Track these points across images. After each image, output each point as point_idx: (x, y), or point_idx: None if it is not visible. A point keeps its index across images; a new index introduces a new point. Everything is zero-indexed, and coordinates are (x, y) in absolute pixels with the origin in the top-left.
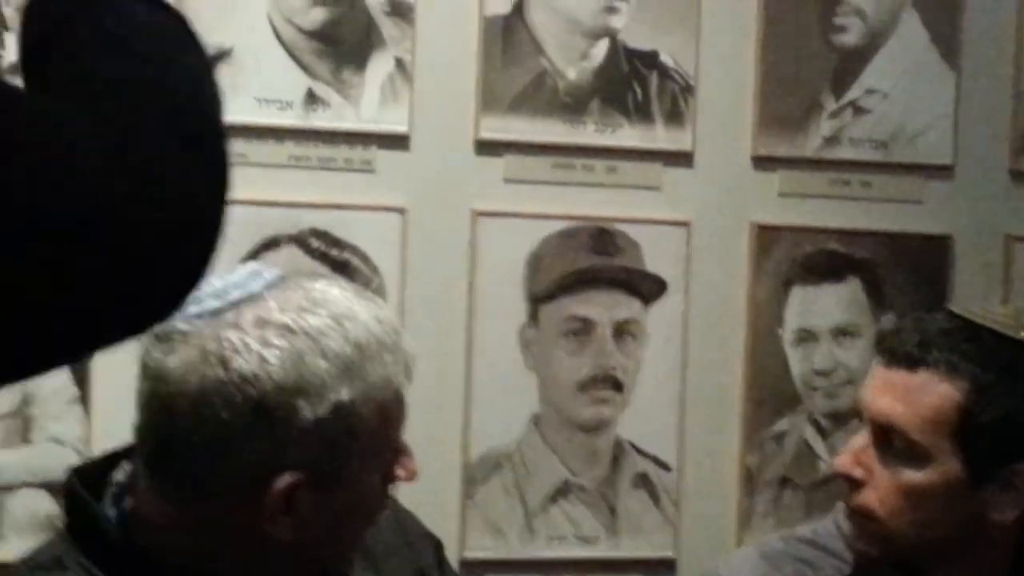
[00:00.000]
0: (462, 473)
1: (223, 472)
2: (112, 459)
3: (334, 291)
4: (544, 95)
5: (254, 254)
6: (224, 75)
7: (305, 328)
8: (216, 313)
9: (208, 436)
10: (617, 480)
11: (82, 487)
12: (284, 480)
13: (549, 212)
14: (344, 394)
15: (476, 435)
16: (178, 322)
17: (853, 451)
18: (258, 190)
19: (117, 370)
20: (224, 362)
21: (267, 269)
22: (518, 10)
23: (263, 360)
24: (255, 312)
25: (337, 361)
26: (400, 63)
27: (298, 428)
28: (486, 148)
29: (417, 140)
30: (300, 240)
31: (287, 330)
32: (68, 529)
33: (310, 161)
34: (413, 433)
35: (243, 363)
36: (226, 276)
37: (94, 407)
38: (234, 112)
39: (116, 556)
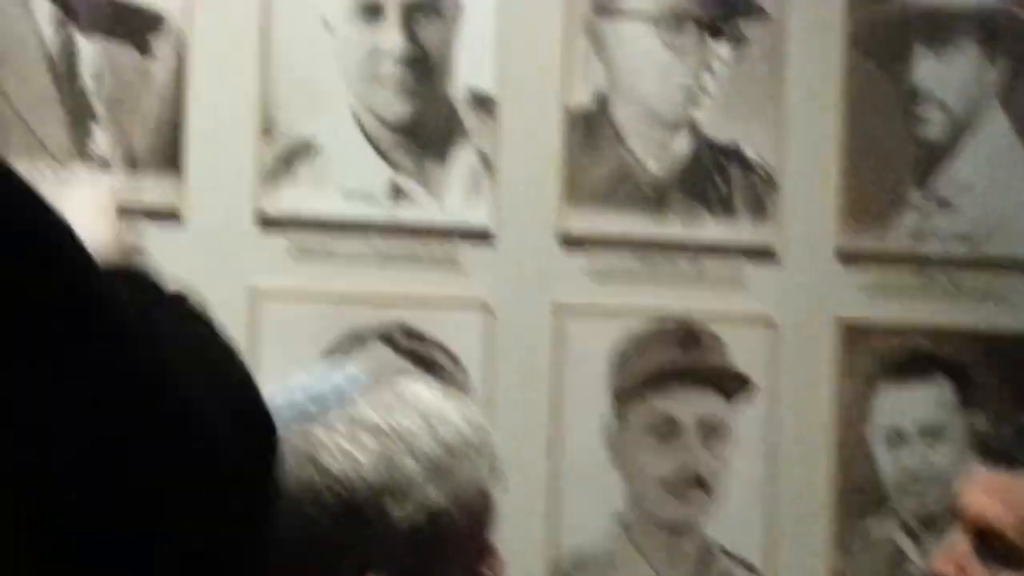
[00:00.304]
0: (547, 573)
1: (313, 573)
2: None
3: (423, 390)
4: (627, 188)
5: (339, 347)
6: (310, 168)
7: (396, 428)
8: (311, 418)
9: (300, 536)
10: None
11: None
12: None
13: (634, 308)
14: (433, 495)
15: (560, 534)
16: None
17: (951, 553)
18: (347, 284)
19: None
20: (315, 462)
21: (360, 372)
22: (601, 102)
23: (354, 460)
24: (346, 412)
25: (427, 462)
26: (483, 156)
27: (387, 528)
28: (570, 242)
29: (500, 235)
30: (387, 336)
31: (378, 431)
32: None
33: (396, 256)
34: (496, 530)
35: (334, 463)
36: (322, 377)
37: None
38: (320, 205)
39: None
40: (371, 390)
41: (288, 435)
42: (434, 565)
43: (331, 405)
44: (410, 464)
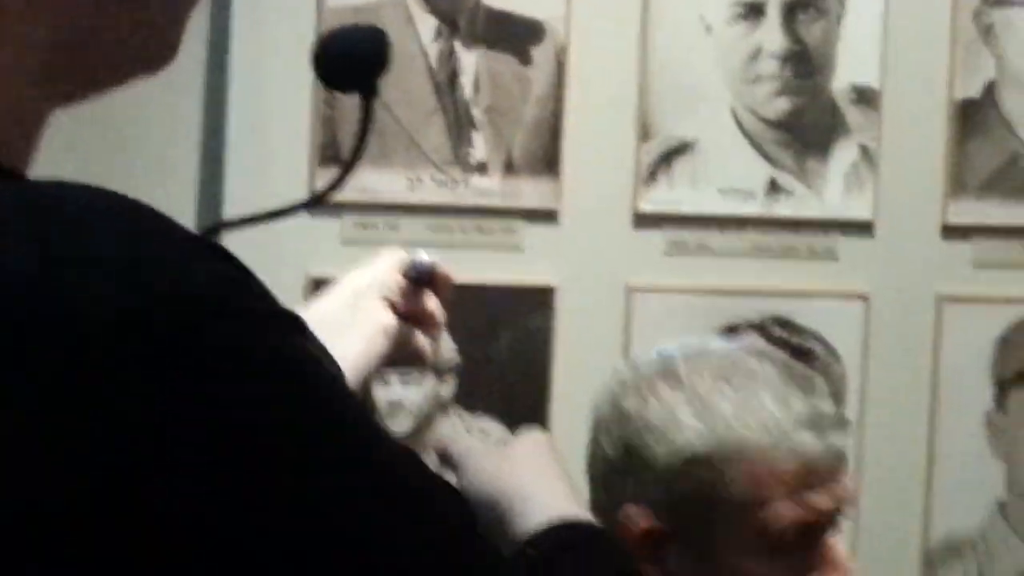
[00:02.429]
0: (921, 558)
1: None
2: None
3: (754, 364)
4: (1015, 177)
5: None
6: (687, 166)
7: (695, 385)
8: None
9: (594, 468)
10: None
11: None
12: (640, 515)
13: (1019, 296)
14: (699, 447)
15: (937, 520)
16: None
17: None
18: (720, 278)
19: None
20: (615, 400)
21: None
22: (988, 92)
23: (643, 402)
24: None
25: (707, 419)
26: (865, 150)
27: (653, 470)
28: (953, 233)
29: (881, 227)
30: (761, 328)
31: (677, 382)
32: None
33: (772, 250)
34: (873, 516)
35: (628, 403)
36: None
37: None
38: (696, 202)
39: None
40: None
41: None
42: (710, 529)
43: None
44: (690, 418)
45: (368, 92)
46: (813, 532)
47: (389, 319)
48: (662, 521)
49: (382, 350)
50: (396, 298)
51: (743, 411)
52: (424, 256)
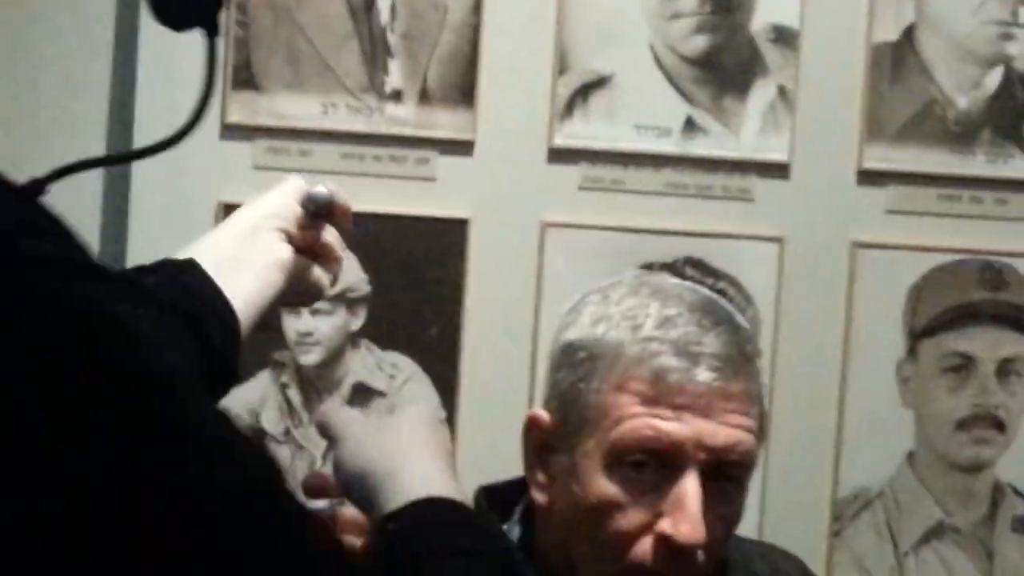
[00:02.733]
0: (831, 510)
1: None
2: (522, 485)
3: (677, 289)
4: (932, 124)
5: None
6: (603, 101)
7: (610, 294)
8: None
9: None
10: (995, 524)
11: (489, 506)
12: (540, 413)
13: (933, 244)
14: (573, 337)
15: (847, 471)
16: None
17: None
18: (633, 217)
19: (480, 392)
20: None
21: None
22: (907, 36)
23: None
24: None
25: (596, 316)
26: (783, 91)
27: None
28: (868, 178)
29: (797, 169)
30: (674, 268)
31: (604, 295)
32: None
33: (687, 189)
34: (782, 464)
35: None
36: None
37: (461, 431)
38: (611, 138)
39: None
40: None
41: None
42: (574, 420)
43: None
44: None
45: (210, 29)
46: (666, 464)
47: (285, 253)
48: (551, 420)
49: (279, 285)
50: (293, 230)
51: (625, 317)
52: (322, 188)
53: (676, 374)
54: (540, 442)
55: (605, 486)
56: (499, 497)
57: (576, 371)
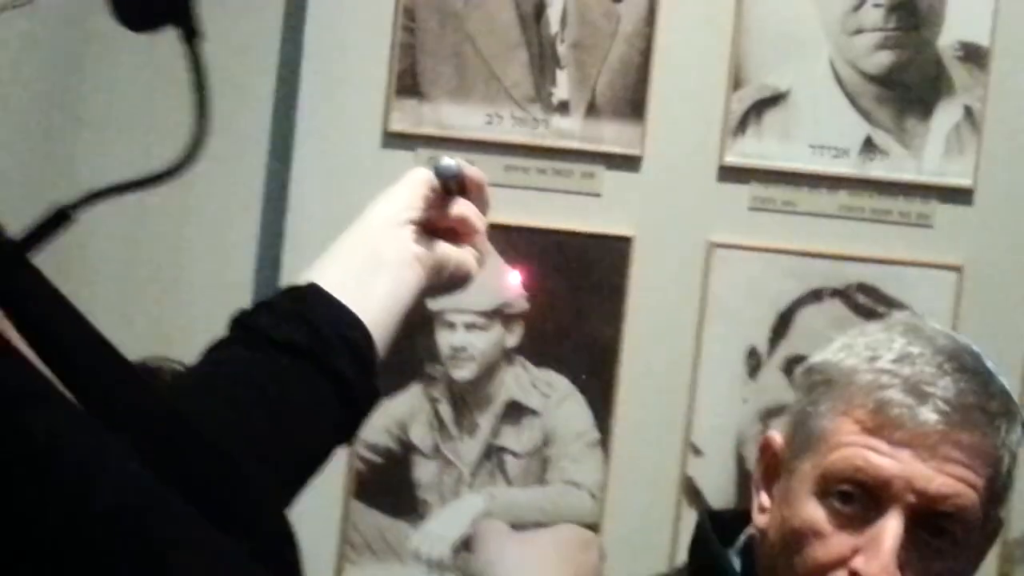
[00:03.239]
0: (1000, 551)
1: None
2: (746, 516)
3: (933, 334)
4: None
5: (796, 305)
6: (778, 118)
7: (867, 326)
8: None
9: None
10: None
11: (713, 530)
12: (775, 436)
13: None
14: (814, 361)
15: (1019, 511)
16: None
17: None
18: (805, 240)
19: (636, 413)
20: None
21: None
22: None
23: None
24: None
25: (842, 344)
26: (969, 111)
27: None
28: None
29: (981, 194)
30: (846, 295)
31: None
32: (689, 567)
33: (863, 212)
34: None
35: None
36: None
37: (614, 453)
38: (785, 158)
39: None
40: None
41: None
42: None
43: None
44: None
45: (186, 29)
46: (873, 500)
47: (420, 246)
48: (782, 443)
49: (418, 281)
50: (424, 215)
51: (867, 348)
52: (447, 160)
53: (899, 408)
54: (770, 465)
55: (811, 512)
56: (723, 524)
57: (809, 394)
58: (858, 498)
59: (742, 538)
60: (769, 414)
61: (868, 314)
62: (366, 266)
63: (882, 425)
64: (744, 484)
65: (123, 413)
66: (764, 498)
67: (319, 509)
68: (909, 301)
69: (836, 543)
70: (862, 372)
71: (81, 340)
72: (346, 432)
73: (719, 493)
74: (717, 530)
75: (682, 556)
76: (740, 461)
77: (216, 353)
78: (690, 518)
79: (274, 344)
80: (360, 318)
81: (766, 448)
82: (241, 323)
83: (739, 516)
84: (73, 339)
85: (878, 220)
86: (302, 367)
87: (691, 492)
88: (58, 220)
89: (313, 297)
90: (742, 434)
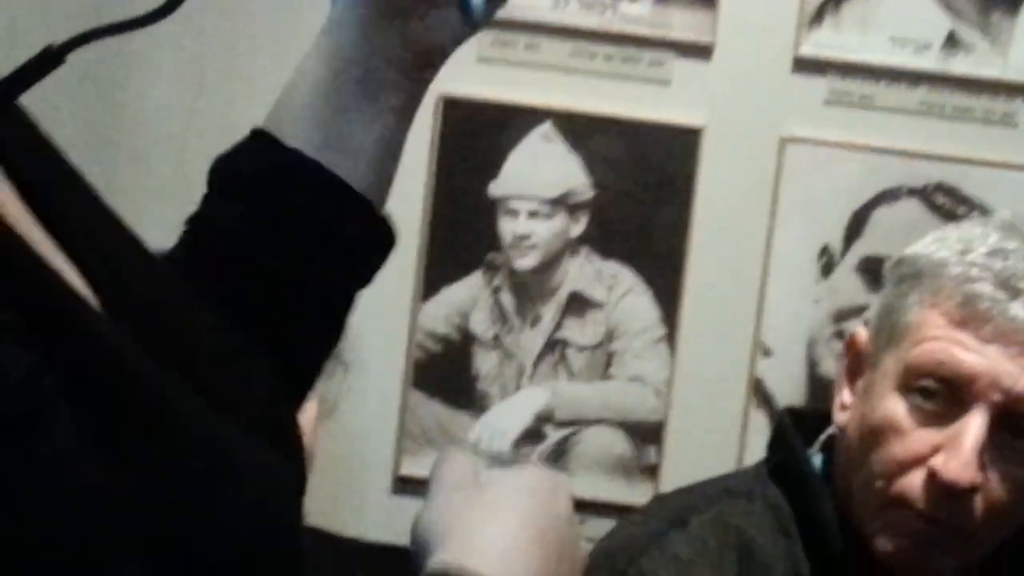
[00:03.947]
0: None
1: None
2: (827, 416)
3: None
4: None
5: (872, 204)
6: (857, 9)
7: (963, 222)
8: None
9: None
10: None
11: (795, 429)
12: (862, 331)
13: None
14: (905, 253)
15: None
16: None
17: None
18: (882, 137)
19: (704, 310)
20: None
21: None
22: None
23: None
24: None
25: (933, 237)
26: None
27: None
28: None
29: None
30: (924, 194)
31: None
32: (767, 463)
33: (944, 110)
34: None
35: None
36: None
37: (680, 349)
38: (864, 50)
39: (811, 503)
40: None
41: None
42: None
43: None
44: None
45: None
46: (957, 398)
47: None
48: (867, 337)
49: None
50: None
51: (960, 240)
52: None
53: (988, 302)
54: (854, 361)
55: (892, 407)
56: (805, 422)
57: (898, 286)
58: (940, 394)
59: (822, 437)
60: (841, 316)
61: (947, 215)
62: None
63: (969, 319)
64: (815, 387)
65: (128, 285)
66: (846, 395)
67: (378, 398)
68: (990, 202)
69: (915, 440)
70: (952, 264)
71: (73, 193)
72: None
73: (789, 396)
74: (801, 428)
75: (750, 457)
76: (811, 364)
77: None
78: (758, 420)
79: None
80: (344, 182)
81: (851, 344)
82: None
83: (820, 415)
84: (63, 191)
85: (959, 118)
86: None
87: (760, 394)
88: (47, 60)
89: (291, 171)
90: (813, 336)
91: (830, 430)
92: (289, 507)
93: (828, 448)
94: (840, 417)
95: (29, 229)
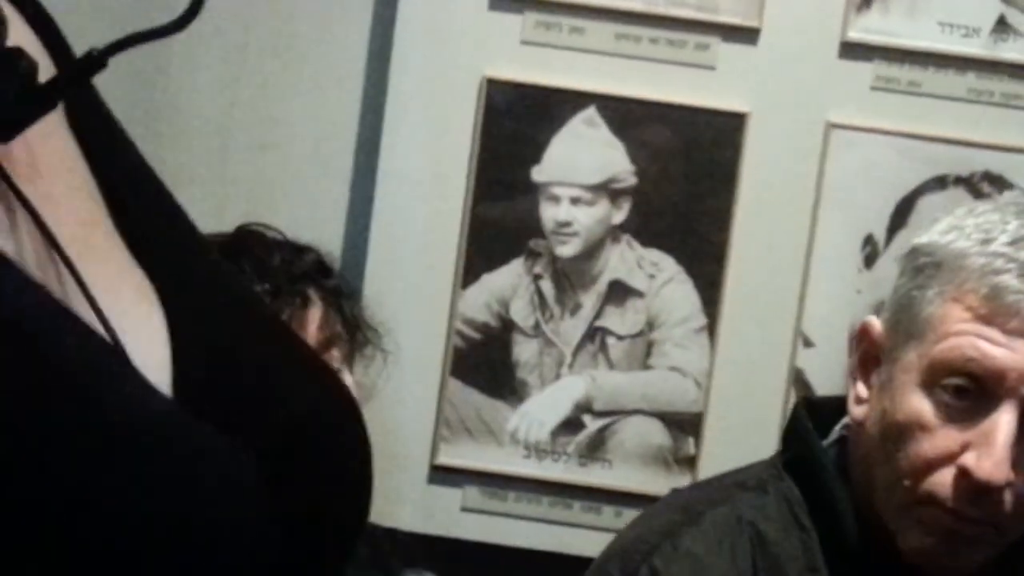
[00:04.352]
0: None
1: None
2: (844, 404)
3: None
4: None
5: (917, 193)
6: None
7: (978, 207)
8: None
9: None
10: None
11: (809, 419)
12: (874, 322)
13: None
14: (921, 241)
15: None
16: None
17: None
18: (929, 123)
19: (745, 299)
20: None
21: None
22: None
23: None
24: None
25: (951, 224)
26: None
27: None
28: None
29: None
30: (970, 183)
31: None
32: (781, 455)
33: (993, 96)
34: None
35: None
36: None
37: (720, 339)
38: (912, 35)
39: (827, 496)
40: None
41: None
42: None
43: None
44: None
45: None
46: (986, 393)
47: None
48: (882, 329)
49: None
50: None
51: (978, 229)
52: None
53: (1015, 295)
54: (868, 353)
55: (917, 404)
56: (820, 412)
57: (916, 277)
58: (970, 391)
59: (837, 429)
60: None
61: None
62: None
63: (996, 312)
64: None
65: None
66: (861, 388)
67: (415, 386)
68: None
69: (943, 437)
70: (974, 255)
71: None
72: None
73: (829, 387)
74: (813, 420)
75: None
76: None
77: None
78: None
79: None
80: None
81: (863, 335)
82: None
83: (835, 407)
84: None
85: (1008, 105)
86: None
87: (801, 385)
88: (90, 65)
89: None
90: (856, 327)
91: (846, 420)
92: (232, 494)
93: (844, 441)
94: (857, 411)
95: None
